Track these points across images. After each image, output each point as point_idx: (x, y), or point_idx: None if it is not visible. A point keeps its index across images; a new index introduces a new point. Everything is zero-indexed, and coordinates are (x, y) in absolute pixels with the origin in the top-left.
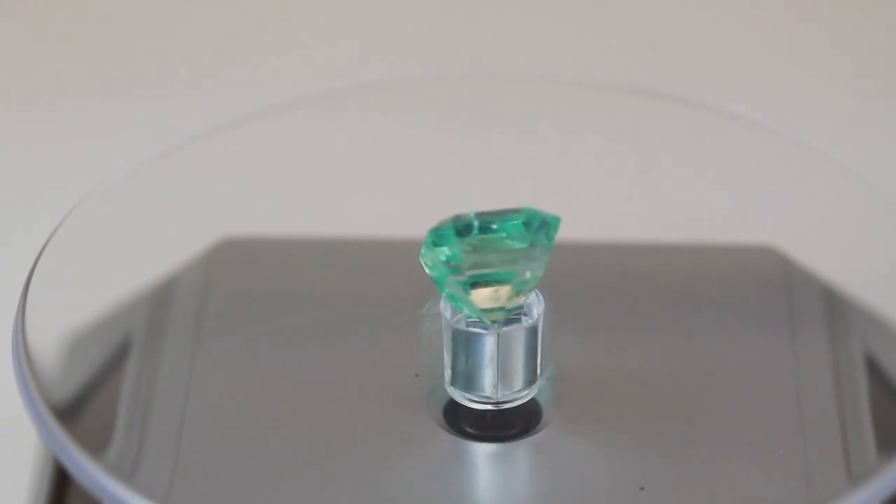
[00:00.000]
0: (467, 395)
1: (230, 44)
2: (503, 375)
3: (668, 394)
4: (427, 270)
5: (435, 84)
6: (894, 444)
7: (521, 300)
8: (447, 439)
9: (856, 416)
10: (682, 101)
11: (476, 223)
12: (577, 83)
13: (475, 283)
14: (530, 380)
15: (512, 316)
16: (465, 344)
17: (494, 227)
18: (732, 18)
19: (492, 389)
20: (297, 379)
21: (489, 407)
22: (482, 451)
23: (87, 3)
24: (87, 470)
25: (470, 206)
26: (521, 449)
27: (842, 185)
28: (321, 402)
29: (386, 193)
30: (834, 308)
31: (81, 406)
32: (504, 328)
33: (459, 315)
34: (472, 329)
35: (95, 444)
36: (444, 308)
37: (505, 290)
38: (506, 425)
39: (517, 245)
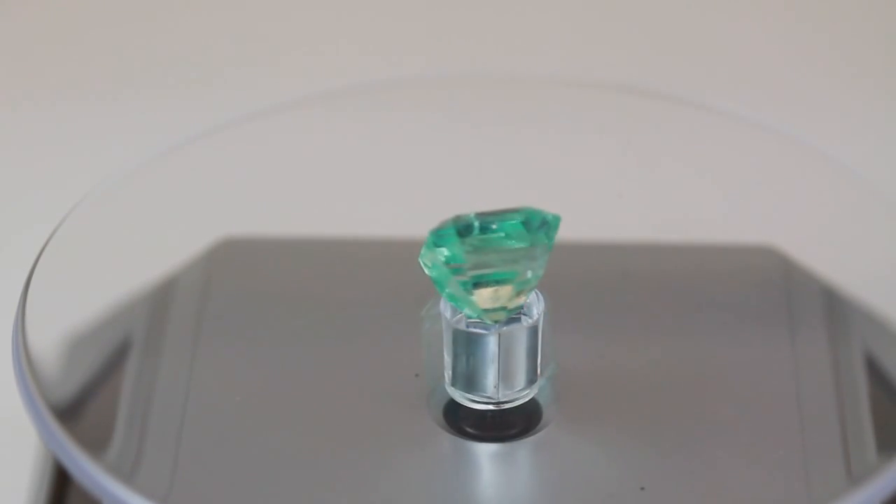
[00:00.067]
0: (468, 396)
1: (230, 44)
2: (504, 375)
3: (668, 394)
4: (427, 271)
5: (435, 84)
6: (894, 444)
7: (522, 300)
8: (447, 439)
9: (856, 416)
10: (682, 101)
11: (476, 223)
12: (577, 83)
13: (477, 284)
14: (531, 379)
15: (512, 316)
16: (466, 344)
17: (494, 227)
18: (733, 18)
19: (493, 389)
20: (297, 379)
21: (490, 407)
22: (482, 451)
23: (87, 3)
24: (87, 470)
25: (470, 206)
26: (521, 449)
27: (842, 185)
28: (321, 402)
29: (386, 193)
30: (834, 308)
31: (81, 406)
32: (505, 328)
33: (459, 315)
34: (473, 329)
35: (95, 444)
36: (444, 308)
37: (507, 290)
38: (506, 425)
39: (518, 245)
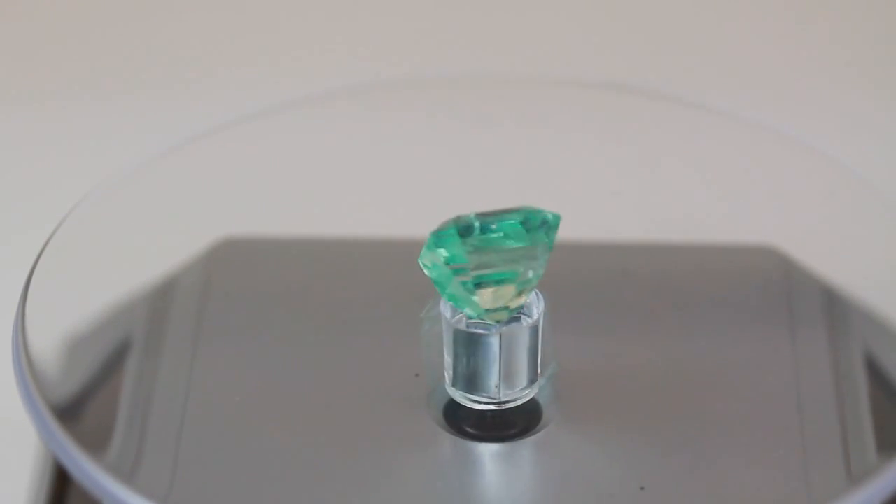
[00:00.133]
0: (469, 396)
1: (230, 44)
2: (506, 375)
3: (668, 393)
4: (426, 272)
5: (435, 84)
6: (894, 444)
7: (523, 299)
8: (447, 439)
9: (856, 416)
10: (682, 101)
11: (477, 223)
12: (577, 83)
13: (479, 284)
14: (531, 379)
15: (513, 316)
16: (467, 345)
17: (495, 227)
18: (732, 18)
19: (494, 390)
20: (296, 379)
21: (491, 407)
22: (482, 451)
23: (87, 3)
24: (87, 470)
25: (470, 206)
26: (521, 449)
27: (842, 185)
28: (321, 402)
29: (386, 193)
30: (834, 308)
31: (81, 406)
32: (506, 328)
33: (459, 315)
34: (474, 330)
35: (95, 444)
36: (444, 309)
37: (509, 290)
38: (506, 425)
39: (518, 244)
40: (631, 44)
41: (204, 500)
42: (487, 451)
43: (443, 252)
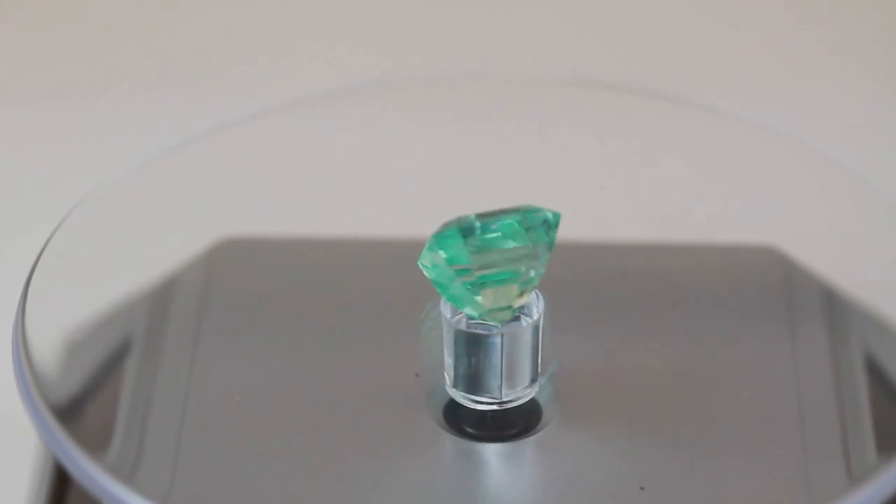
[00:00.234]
0: (471, 397)
1: (231, 44)
2: (507, 375)
3: (668, 393)
4: (426, 274)
5: (435, 84)
6: (894, 444)
7: (525, 299)
8: (447, 439)
9: (856, 416)
10: (682, 101)
11: (478, 224)
12: (578, 83)
13: (481, 284)
14: (532, 379)
15: (513, 316)
16: (469, 345)
17: (496, 226)
18: (732, 18)
19: (496, 390)
20: (297, 379)
21: (493, 407)
22: (483, 451)
23: (86, 3)
24: (87, 470)
25: (469, 206)
26: (521, 449)
27: (842, 185)
28: (321, 402)
29: (386, 193)
30: (834, 308)
31: (81, 406)
32: (508, 328)
33: (459, 315)
34: (476, 330)
35: (95, 444)
36: (444, 310)
37: (512, 290)
38: (506, 425)
39: (519, 244)
40: (632, 44)
41: (204, 500)
42: (487, 451)
43: (445, 253)
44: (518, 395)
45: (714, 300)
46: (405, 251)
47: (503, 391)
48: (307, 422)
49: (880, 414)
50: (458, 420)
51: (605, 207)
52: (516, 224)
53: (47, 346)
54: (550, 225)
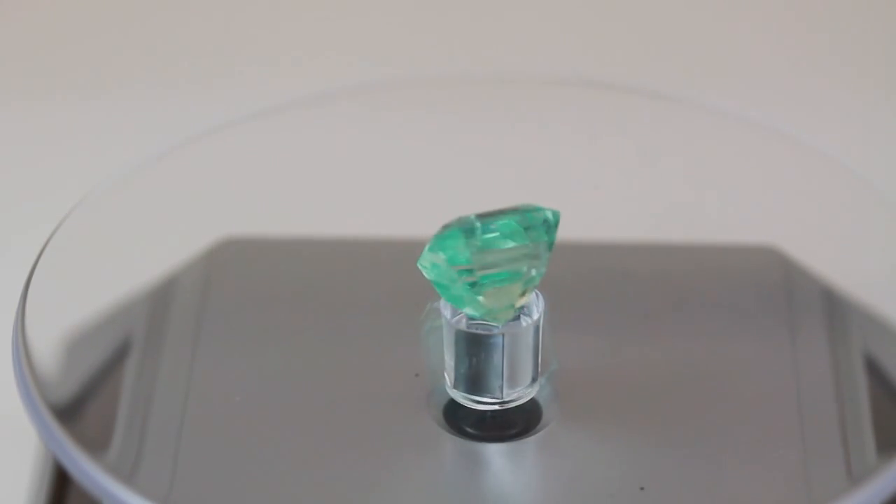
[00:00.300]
0: (472, 397)
1: (231, 44)
2: (509, 375)
3: (668, 394)
4: (427, 275)
5: (435, 84)
6: (894, 444)
7: (527, 298)
8: (448, 439)
9: (856, 416)
10: (682, 100)
11: (478, 224)
12: (578, 83)
13: (484, 284)
14: (533, 379)
15: (514, 316)
16: (471, 346)
17: (496, 226)
18: (732, 18)
19: (497, 390)
20: (297, 379)
21: (495, 407)
22: (483, 451)
23: (86, 3)
24: (87, 470)
25: (469, 205)
26: (521, 449)
27: (842, 185)
28: (321, 402)
29: (386, 193)
30: (834, 308)
31: (81, 406)
32: (509, 328)
33: (459, 316)
34: (478, 331)
35: (95, 444)
36: (445, 310)
37: (514, 289)
38: (506, 425)
39: (520, 243)
40: (632, 44)
41: (204, 500)
42: (487, 451)
43: (446, 254)
44: (519, 394)
45: (714, 300)
46: (405, 251)
47: (504, 391)
48: (307, 422)
49: (880, 414)
50: (458, 420)
51: (606, 207)
52: (517, 224)
53: (47, 346)
54: (551, 224)
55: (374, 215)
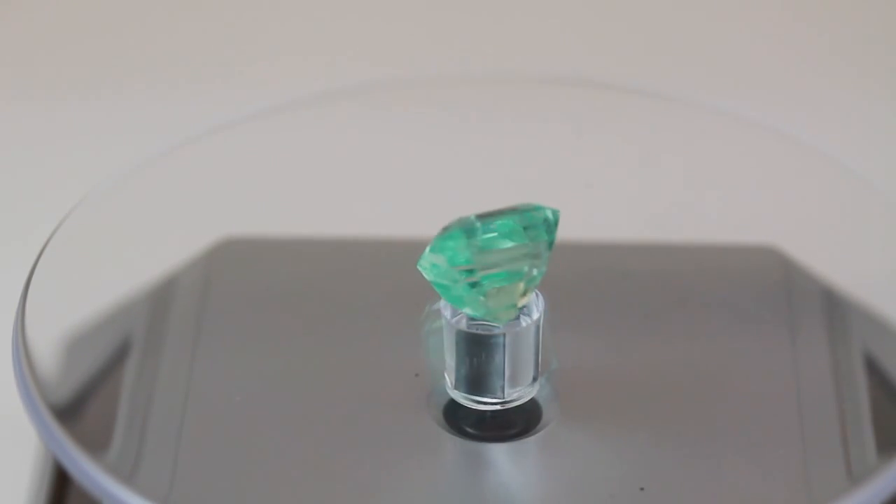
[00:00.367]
0: (473, 398)
1: (231, 43)
2: (510, 375)
3: (668, 393)
4: (427, 276)
5: (435, 84)
6: (894, 444)
7: (528, 297)
8: (447, 439)
9: (856, 416)
10: (682, 101)
11: (478, 225)
12: (578, 83)
13: (486, 285)
14: (533, 378)
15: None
16: (472, 346)
17: (496, 226)
18: (732, 18)
19: (499, 390)
20: (296, 379)
21: (496, 407)
22: (483, 451)
23: (86, 3)
24: (87, 470)
25: (469, 205)
26: (520, 449)
27: (842, 185)
28: (321, 402)
29: (386, 193)
30: (834, 308)
31: (81, 406)
32: (510, 328)
33: (459, 316)
34: (480, 331)
35: (95, 444)
36: (445, 311)
37: (516, 289)
38: (506, 425)
39: (521, 242)
40: (632, 44)
41: (204, 500)
42: (487, 451)
43: (449, 255)
44: (520, 394)
45: (714, 300)
46: (405, 251)
47: (506, 391)
48: (307, 422)
49: (880, 414)
50: (458, 420)
51: (606, 207)
52: (517, 223)
53: (47, 346)
54: (551, 223)
55: (374, 215)
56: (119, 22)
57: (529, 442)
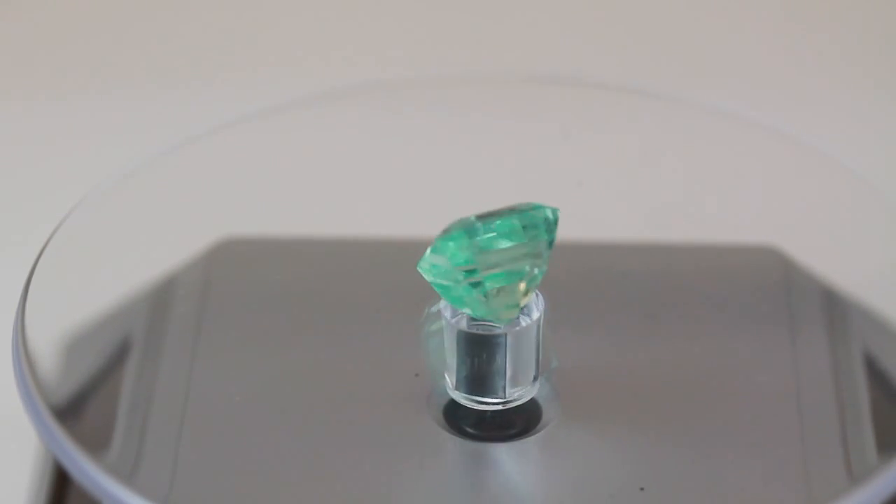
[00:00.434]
0: (475, 398)
1: (231, 43)
2: (511, 375)
3: (668, 394)
4: (428, 278)
5: (435, 84)
6: (894, 444)
7: (529, 297)
8: (448, 439)
9: (856, 416)
10: (682, 100)
11: (479, 225)
12: (577, 83)
13: (488, 285)
14: (534, 378)
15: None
16: (474, 346)
17: (497, 226)
18: (732, 18)
19: (501, 390)
20: (297, 379)
21: (498, 407)
22: (482, 451)
23: (86, 3)
24: (87, 470)
25: (469, 205)
26: (520, 449)
27: (842, 185)
28: (321, 402)
29: (386, 193)
30: (834, 308)
31: (81, 406)
32: (511, 327)
33: (459, 316)
34: (482, 331)
35: (95, 444)
36: (445, 311)
37: (518, 289)
38: (506, 425)
39: (521, 241)
40: (632, 44)
41: (204, 500)
42: (487, 451)
43: (451, 256)
44: (520, 394)
45: (714, 300)
46: (405, 251)
47: (507, 391)
48: (307, 422)
49: (880, 414)
50: (458, 420)
51: (606, 207)
52: (517, 223)
53: (47, 346)
54: (551, 222)
55: (374, 215)
56: (119, 22)
57: (529, 442)
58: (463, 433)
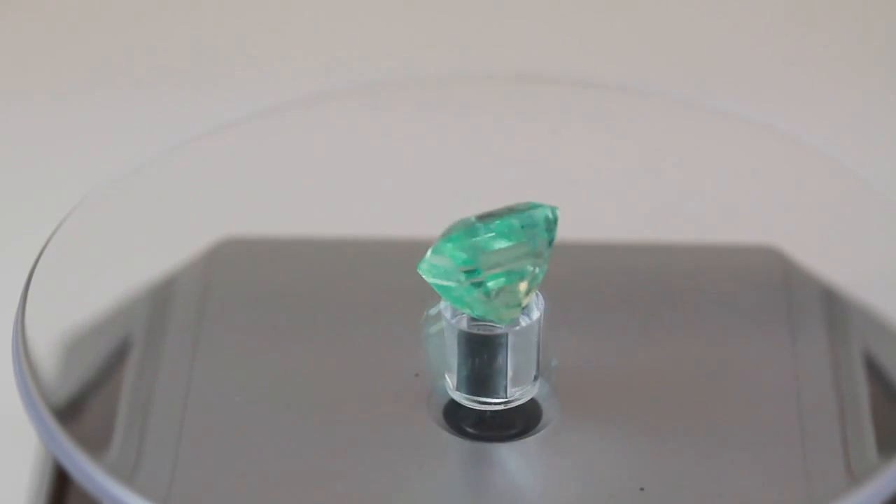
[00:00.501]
0: (476, 399)
1: (231, 43)
2: (513, 374)
3: (668, 393)
4: (428, 279)
5: (435, 84)
6: (894, 444)
7: (531, 297)
8: (448, 439)
9: (856, 416)
10: (682, 100)
11: (479, 225)
12: (578, 83)
13: (489, 285)
14: (535, 377)
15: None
16: (475, 347)
17: (497, 226)
18: (733, 18)
19: (502, 390)
20: (297, 379)
21: (499, 407)
22: (482, 451)
23: (86, 3)
24: (87, 470)
25: (470, 205)
26: (520, 449)
27: (842, 185)
28: (321, 402)
29: (386, 193)
30: (834, 308)
31: (81, 406)
32: (512, 327)
33: (459, 316)
34: (483, 331)
35: (95, 445)
36: (445, 312)
37: (520, 288)
38: (506, 425)
39: (521, 241)
40: (632, 44)
41: (204, 500)
42: (487, 452)
43: (453, 256)
44: (521, 393)
45: (714, 300)
46: (405, 251)
47: (508, 391)
48: (307, 422)
49: (880, 414)
50: (458, 420)
51: (606, 207)
52: (517, 222)
53: (47, 346)
54: (550, 221)
55: (374, 215)
56: (119, 22)
57: (529, 442)
58: (463, 433)
